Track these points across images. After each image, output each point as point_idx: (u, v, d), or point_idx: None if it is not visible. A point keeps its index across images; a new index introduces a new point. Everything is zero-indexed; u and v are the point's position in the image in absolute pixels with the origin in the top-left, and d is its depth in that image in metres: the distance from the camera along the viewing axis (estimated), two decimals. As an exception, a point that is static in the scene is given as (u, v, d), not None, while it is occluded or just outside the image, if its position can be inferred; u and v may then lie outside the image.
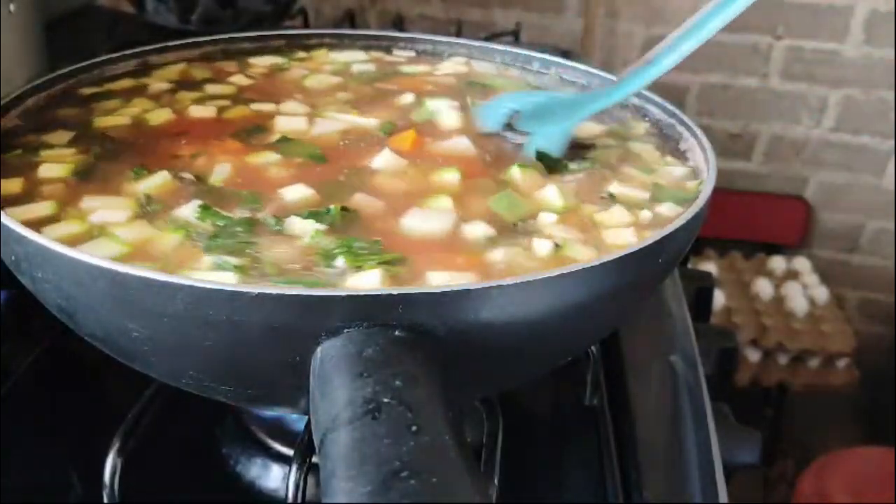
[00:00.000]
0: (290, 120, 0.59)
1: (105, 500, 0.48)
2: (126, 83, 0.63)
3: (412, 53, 0.73)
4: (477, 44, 0.72)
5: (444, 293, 0.36)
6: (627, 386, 0.64)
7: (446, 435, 0.31)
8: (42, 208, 0.47)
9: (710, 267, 1.86)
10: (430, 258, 0.43)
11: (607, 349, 0.67)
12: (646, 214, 0.50)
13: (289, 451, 0.55)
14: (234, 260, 0.42)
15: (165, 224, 0.45)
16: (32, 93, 0.58)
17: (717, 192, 0.48)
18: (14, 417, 0.58)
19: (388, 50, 0.73)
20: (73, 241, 0.43)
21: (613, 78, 0.59)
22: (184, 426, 0.59)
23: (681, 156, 0.58)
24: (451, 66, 0.71)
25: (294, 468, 0.46)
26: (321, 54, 0.72)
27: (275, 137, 0.56)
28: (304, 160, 0.53)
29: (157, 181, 0.49)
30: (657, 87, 0.57)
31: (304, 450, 0.47)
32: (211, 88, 0.64)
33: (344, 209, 0.47)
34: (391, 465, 0.29)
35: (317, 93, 0.64)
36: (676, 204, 0.51)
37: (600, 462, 0.59)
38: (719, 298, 1.77)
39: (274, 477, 0.56)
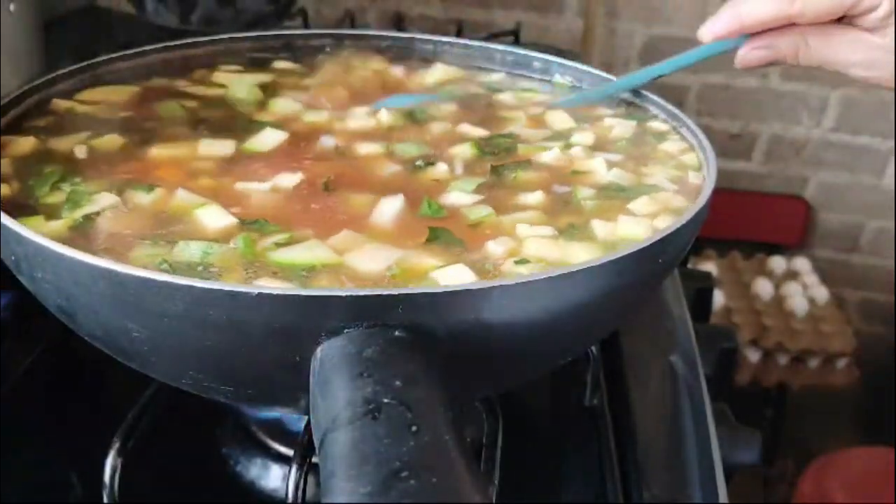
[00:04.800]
0: None
1: (105, 500, 0.48)
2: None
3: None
4: (477, 44, 0.72)
5: (444, 293, 0.36)
6: (627, 386, 0.64)
7: (446, 435, 0.31)
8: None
9: (710, 267, 1.85)
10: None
11: (607, 349, 0.67)
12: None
13: (289, 451, 0.55)
14: None
15: None
16: (32, 93, 0.58)
17: (717, 192, 0.48)
18: (14, 417, 0.58)
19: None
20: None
21: (613, 78, 0.59)
22: (184, 426, 0.59)
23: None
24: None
25: (294, 468, 0.46)
26: None
27: None
28: None
29: None
30: (657, 86, 0.57)
31: (304, 450, 0.47)
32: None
33: None
34: (391, 465, 0.29)
35: None
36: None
37: (600, 462, 0.59)
38: (719, 298, 1.77)
39: (274, 477, 0.56)
